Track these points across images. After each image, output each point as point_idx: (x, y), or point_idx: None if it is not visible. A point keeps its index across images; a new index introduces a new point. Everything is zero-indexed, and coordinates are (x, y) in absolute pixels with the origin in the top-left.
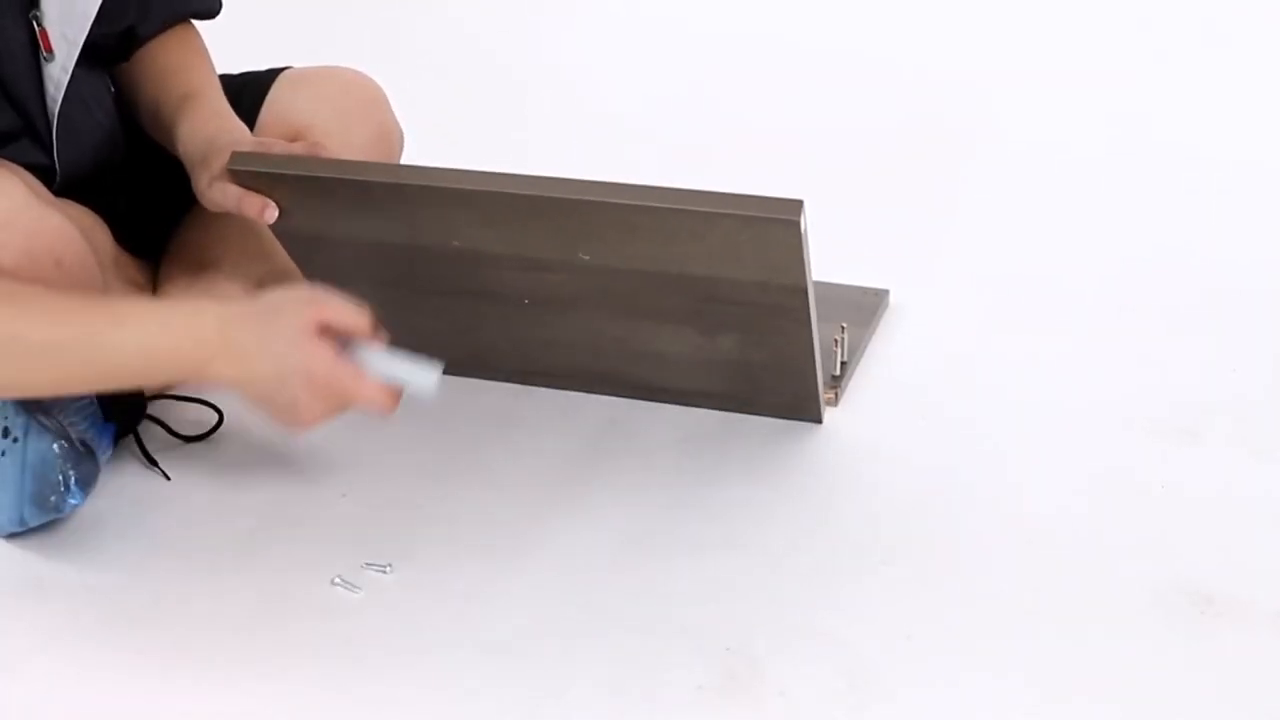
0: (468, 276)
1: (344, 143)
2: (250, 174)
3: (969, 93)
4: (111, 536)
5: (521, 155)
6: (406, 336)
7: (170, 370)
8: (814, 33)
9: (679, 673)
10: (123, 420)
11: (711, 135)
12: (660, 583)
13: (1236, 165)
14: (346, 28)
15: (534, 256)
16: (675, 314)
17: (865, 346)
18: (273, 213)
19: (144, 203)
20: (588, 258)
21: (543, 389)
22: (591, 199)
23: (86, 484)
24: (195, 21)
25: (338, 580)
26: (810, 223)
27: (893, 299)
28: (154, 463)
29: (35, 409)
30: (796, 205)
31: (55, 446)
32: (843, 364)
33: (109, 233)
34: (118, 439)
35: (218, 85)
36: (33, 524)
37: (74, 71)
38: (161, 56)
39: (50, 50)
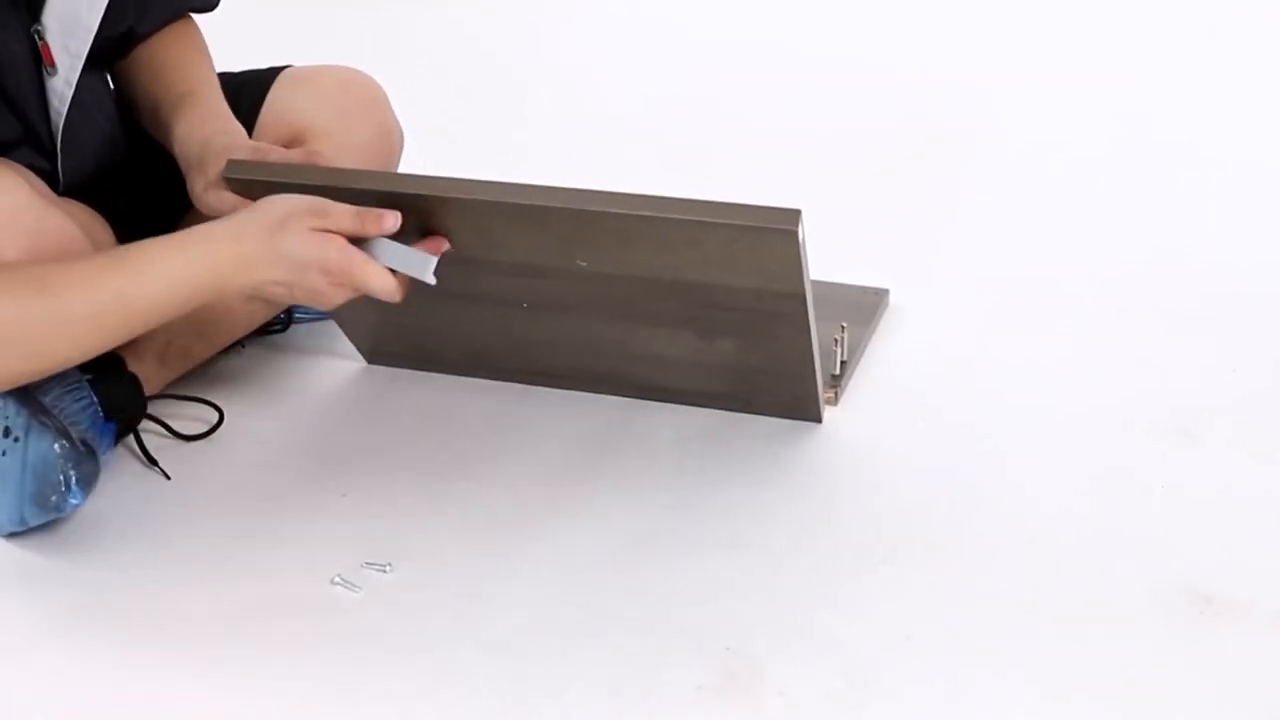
0: (465, 281)
1: (344, 142)
2: (246, 182)
3: (969, 93)
4: (111, 536)
5: (521, 155)
6: (406, 337)
7: (200, 297)
8: (814, 33)
9: (679, 673)
10: (123, 420)
11: (711, 135)
12: (660, 582)
13: (1236, 166)
14: (346, 27)
15: (530, 262)
16: (673, 318)
17: (865, 346)
18: None
19: (144, 201)
20: (584, 264)
21: (543, 389)
22: (587, 209)
23: (87, 484)
24: (195, 16)
25: (338, 580)
26: (810, 222)
27: (893, 299)
28: (154, 462)
29: (36, 408)
30: (794, 215)
31: (56, 446)
32: (842, 364)
33: (110, 231)
34: (118, 438)
35: (216, 83)
36: (33, 523)
37: (78, 79)
38: (160, 53)
39: (53, 64)
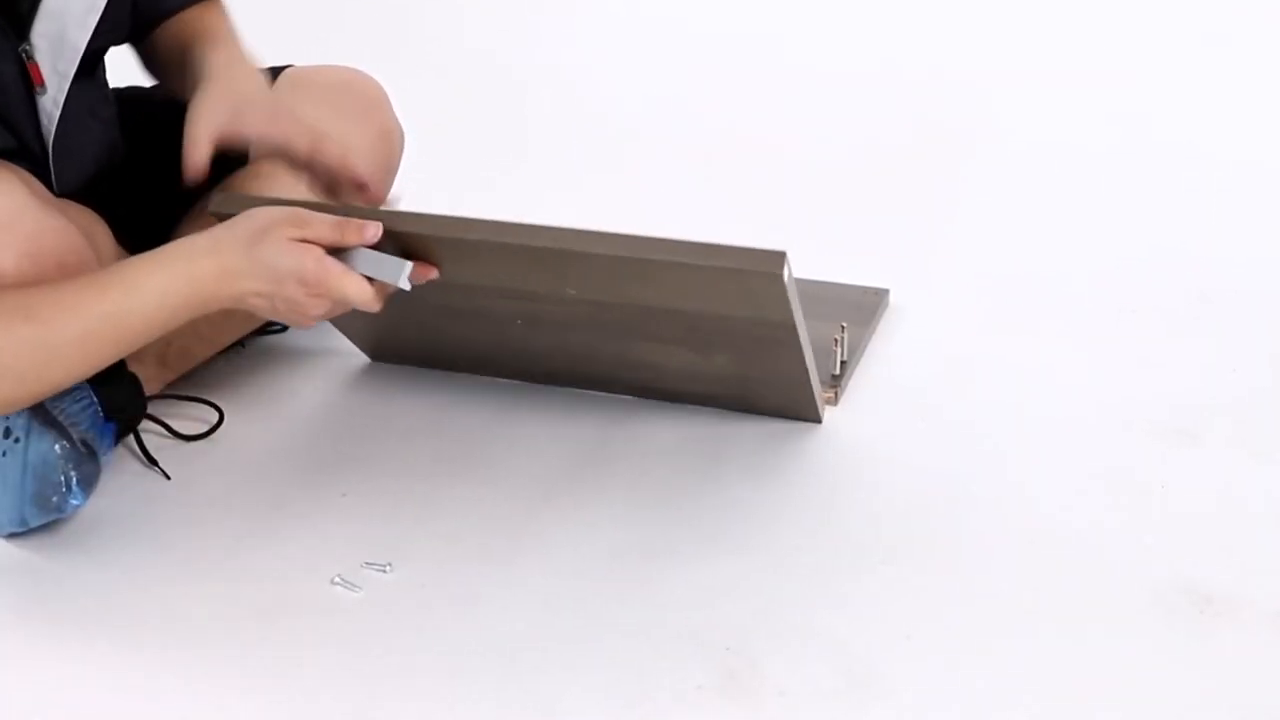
0: (459, 299)
1: (346, 143)
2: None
3: (969, 93)
4: (111, 536)
5: (521, 155)
6: (407, 340)
7: (187, 311)
8: (815, 33)
9: (679, 672)
10: (123, 420)
11: (712, 135)
12: (660, 582)
13: (1236, 165)
14: (346, 28)
15: (521, 289)
16: (668, 337)
17: (865, 346)
18: None
19: (144, 202)
20: (574, 293)
21: (543, 388)
22: (571, 249)
23: (88, 484)
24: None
25: (338, 580)
26: (810, 223)
27: (893, 299)
28: (154, 462)
29: (36, 409)
30: (779, 257)
31: (57, 447)
32: (842, 363)
33: (110, 232)
34: (118, 439)
35: (236, 39)
36: (34, 524)
37: (69, 89)
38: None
39: (42, 84)
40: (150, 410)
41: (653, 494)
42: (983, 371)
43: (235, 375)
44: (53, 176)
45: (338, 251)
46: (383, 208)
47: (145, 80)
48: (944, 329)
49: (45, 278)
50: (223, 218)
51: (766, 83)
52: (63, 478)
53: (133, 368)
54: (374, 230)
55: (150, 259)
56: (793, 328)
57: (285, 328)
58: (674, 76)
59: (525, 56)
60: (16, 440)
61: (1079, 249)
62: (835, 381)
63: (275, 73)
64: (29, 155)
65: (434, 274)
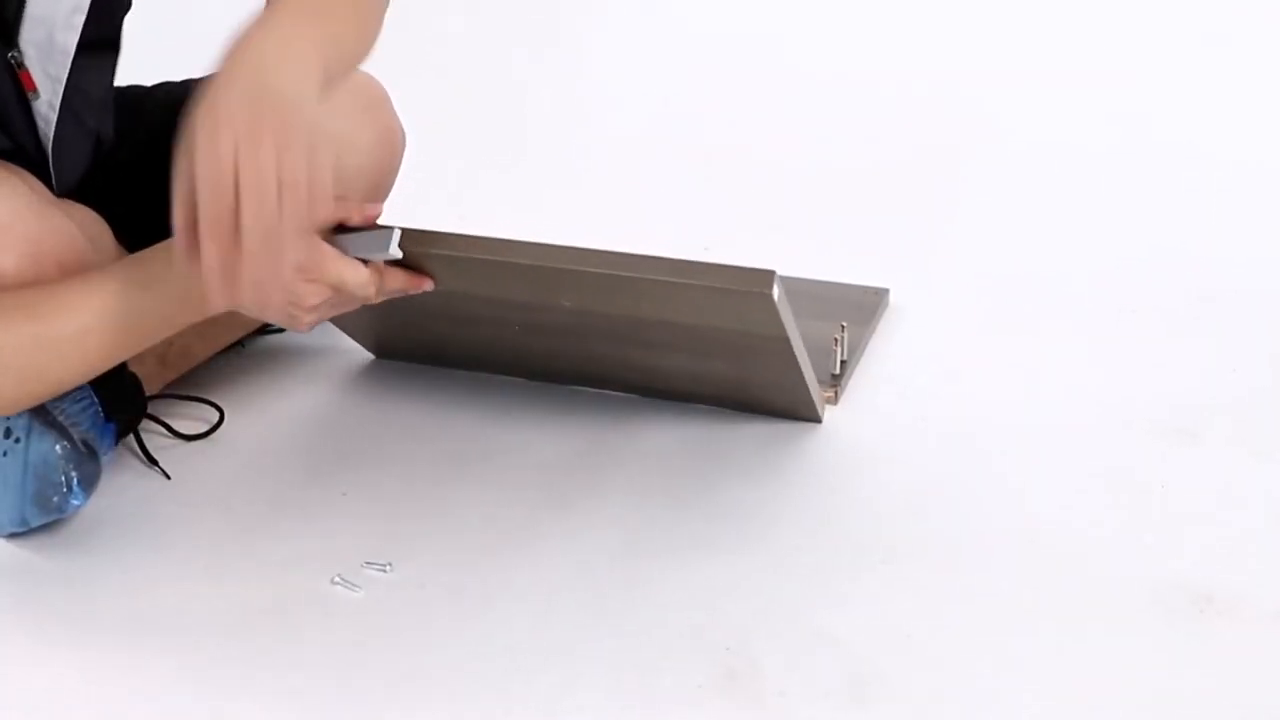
0: (456, 305)
1: (348, 143)
2: None
3: (969, 93)
4: (111, 536)
5: (521, 155)
6: (408, 340)
7: (189, 308)
8: (815, 33)
9: (679, 672)
10: (123, 420)
11: (712, 135)
12: (660, 582)
13: (1236, 165)
14: None
15: (516, 299)
16: (664, 345)
17: (865, 346)
18: None
19: (143, 202)
20: (568, 304)
21: (543, 387)
22: (562, 267)
23: (89, 484)
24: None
25: (338, 580)
26: (811, 222)
27: (893, 298)
28: (154, 462)
29: (37, 410)
30: (768, 276)
31: (57, 447)
32: (842, 363)
33: (110, 231)
34: (118, 438)
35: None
36: (34, 524)
37: (65, 85)
38: None
39: (34, 89)
40: (150, 410)
41: (652, 494)
42: (983, 371)
43: (235, 375)
44: (53, 177)
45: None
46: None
47: (145, 80)
48: (944, 329)
49: (45, 278)
50: None
51: (767, 83)
52: (63, 478)
53: (133, 367)
54: (375, 209)
55: (151, 255)
56: (786, 340)
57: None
58: (674, 77)
59: (525, 56)
60: (17, 440)
61: (1079, 249)
62: (835, 381)
63: None
64: (26, 156)
65: (428, 285)
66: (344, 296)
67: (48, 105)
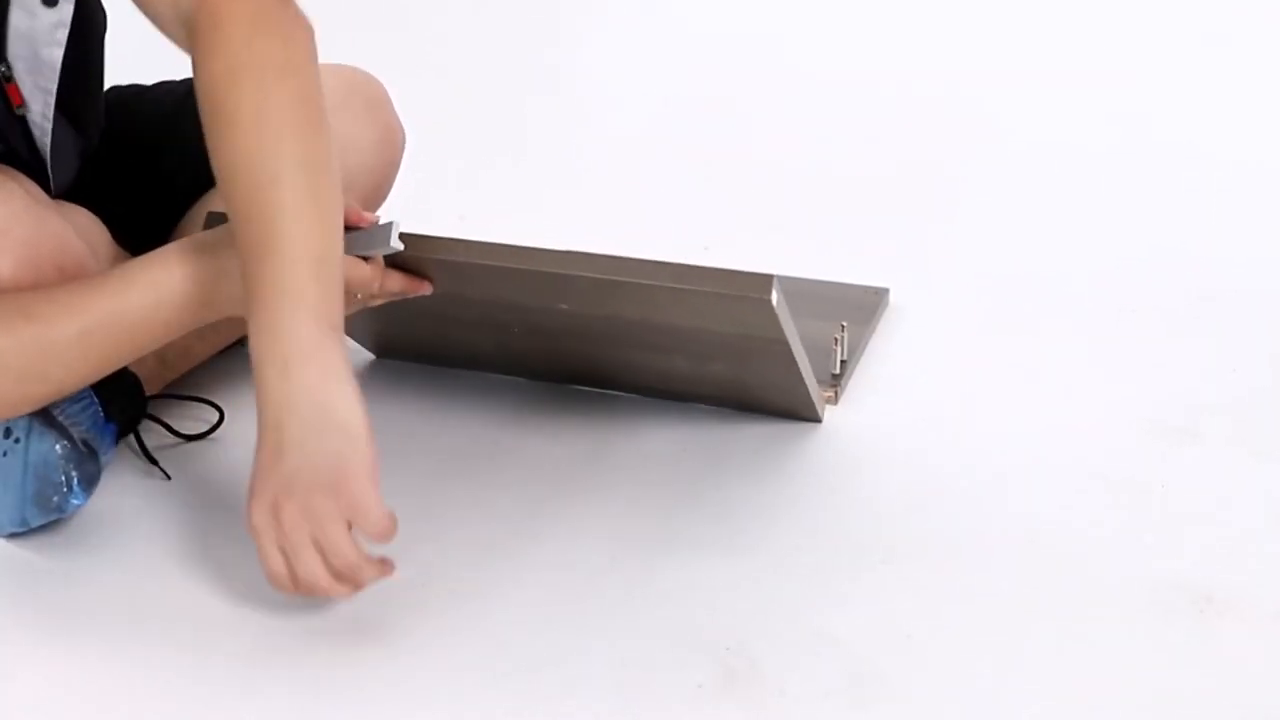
0: (454, 307)
1: (349, 143)
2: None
3: (969, 93)
4: (112, 536)
5: (521, 155)
6: (408, 339)
7: (188, 312)
8: (815, 33)
9: (679, 672)
10: (124, 420)
11: (712, 135)
12: (660, 582)
13: (1236, 165)
14: (347, 27)
15: (515, 302)
16: (663, 347)
17: (865, 345)
18: None
19: (142, 202)
20: (567, 307)
21: (543, 387)
22: (558, 272)
23: (89, 484)
24: None
25: None
26: (811, 222)
27: (893, 298)
28: (154, 462)
29: (37, 411)
30: (767, 282)
31: (58, 447)
32: (842, 363)
33: (108, 232)
34: (119, 438)
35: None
36: (35, 524)
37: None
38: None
39: (21, 103)
40: (150, 410)
41: (652, 493)
42: (983, 371)
43: (235, 375)
44: (50, 179)
45: None
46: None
47: (144, 79)
48: (944, 329)
49: (44, 281)
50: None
51: (767, 83)
52: (64, 478)
53: (133, 367)
54: (372, 219)
55: (149, 258)
56: (785, 343)
57: None
58: (674, 76)
59: (525, 56)
60: (17, 440)
61: (1079, 248)
62: (835, 381)
63: None
64: (20, 160)
65: (427, 289)
66: (347, 296)
67: (41, 115)
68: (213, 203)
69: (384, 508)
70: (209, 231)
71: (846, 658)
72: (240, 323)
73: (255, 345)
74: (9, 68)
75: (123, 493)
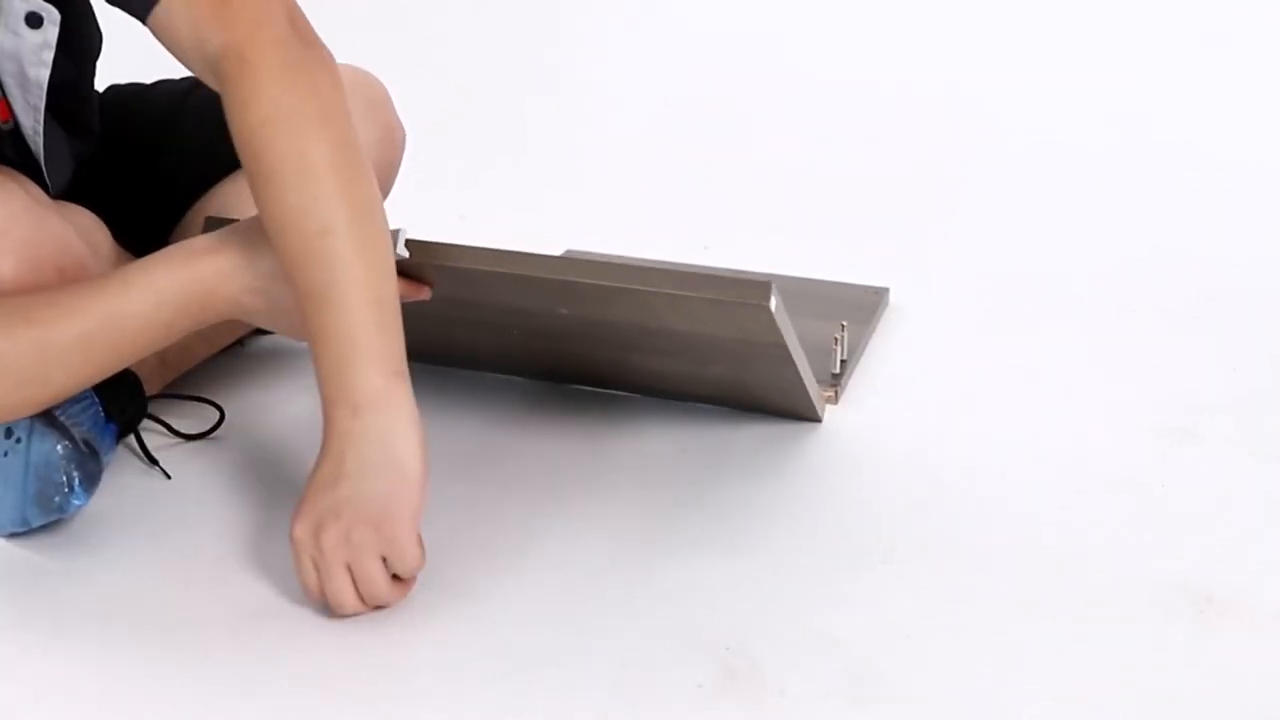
0: (454, 310)
1: None
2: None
3: (969, 93)
4: (112, 536)
5: (521, 155)
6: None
7: (189, 313)
8: (815, 33)
9: (679, 672)
10: (124, 420)
11: (712, 136)
12: (660, 581)
13: (1236, 165)
14: (347, 27)
15: (514, 306)
16: (662, 350)
17: (865, 345)
18: None
19: (144, 200)
20: (566, 312)
21: (544, 387)
22: (556, 278)
23: (90, 484)
24: None
25: None
26: (811, 222)
27: (893, 298)
28: (155, 462)
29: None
30: (765, 288)
31: (59, 447)
32: (842, 363)
33: (108, 232)
34: (119, 438)
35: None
36: (36, 524)
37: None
38: None
39: (8, 119)
40: (151, 410)
41: (652, 493)
42: (983, 371)
43: (235, 375)
44: (47, 180)
45: None
46: None
47: (144, 79)
48: (944, 329)
49: (44, 283)
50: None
51: (767, 83)
52: (65, 478)
53: (133, 366)
54: None
55: (149, 260)
56: (785, 347)
57: None
58: (674, 76)
59: (525, 56)
60: (18, 440)
61: (1079, 248)
62: (835, 381)
63: None
64: (16, 166)
65: (426, 294)
66: None
67: (33, 130)
68: (213, 202)
69: (418, 549)
70: (209, 234)
71: (846, 658)
72: (240, 323)
73: (326, 388)
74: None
75: (123, 493)
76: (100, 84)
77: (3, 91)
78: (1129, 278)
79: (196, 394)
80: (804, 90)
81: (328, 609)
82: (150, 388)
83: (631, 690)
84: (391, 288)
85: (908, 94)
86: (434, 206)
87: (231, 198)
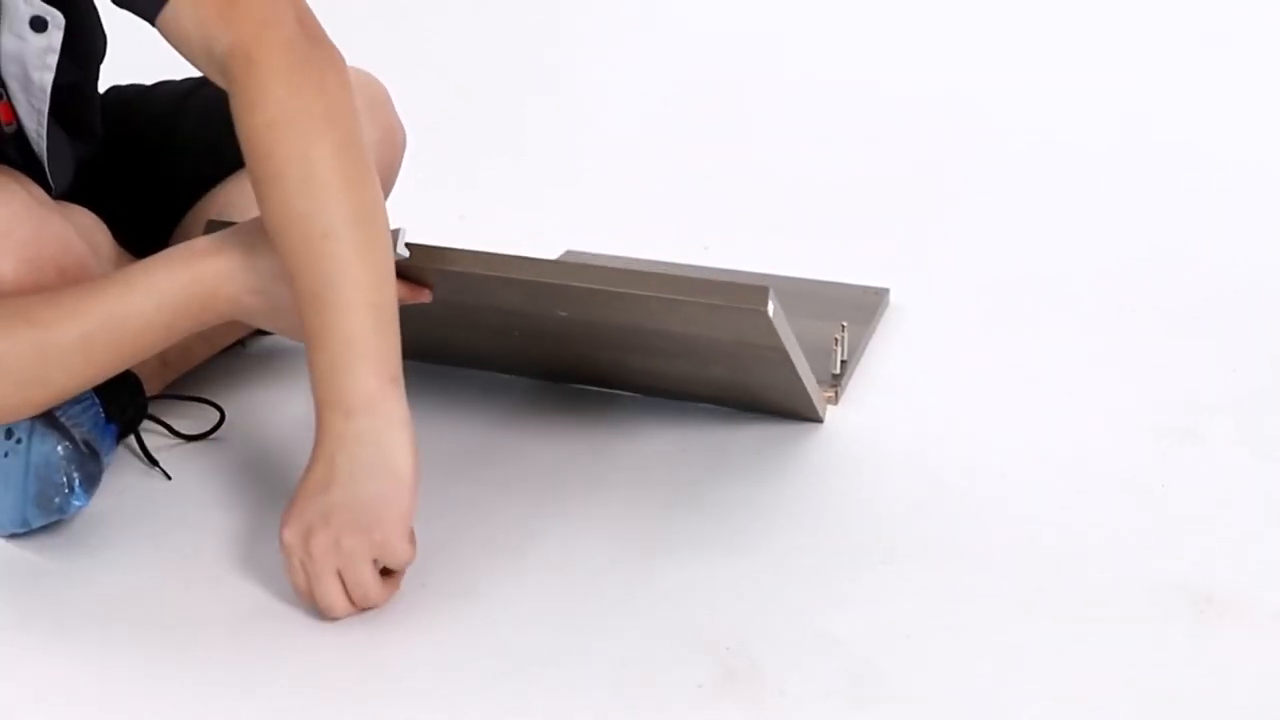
0: (454, 312)
1: None
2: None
3: (969, 93)
4: (112, 536)
5: (521, 155)
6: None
7: (190, 313)
8: (815, 33)
9: (679, 672)
10: (124, 420)
11: (713, 135)
12: (660, 581)
13: (1236, 165)
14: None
15: (514, 309)
16: (662, 351)
17: (866, 345)
18: None
19: (144, 200)
20: (564, 314)
21: (544, 386)
22: (554, 282)
23: (90, 485)
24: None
25: None
26: (811, 222)
27: (893, 298)
28: (155, 462)
29: None
30: (763, 293)
31: (59, 448)
32: (843, 363)
33: (109, 233)
34: (119, 439)
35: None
36: (36, 525)
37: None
38: None
39: (11, 121)
40: (151, 410)
41: (653, 494)
42: (983, 371)
43: (235, 375)
44: (49, 179)
45: None
46: None
47: (145, 79)
48: (944, 329)
49: (45, 284)
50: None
51: (767, 83)
52: (65, 478)
53: (134, 367)
54: None
55: (150, 261)
56: (783, 350)
57: None
58: (674, 76)
59: (525, 56)
60: (19, 441)
61: (1079, 248)
62: (836, 381)
63: None
64: (18, 167)
65: (426, 297)
66: None
67: (36, 133)
68: (214, 203)
69: (409, 547)
70: (210, 236)
71: (846, 658)
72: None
73: (320, 390)
74: (3, 87)
75: (123, 493)
76: (101, 85)
77: (6, 94)
78: (1129, 278)
79: (197, 394)
80: (804, 91)
81: (318, 611)
82: (151, 388)
83: (631, 690)
84: (390, 292)
85: (908, 94)
86: (434, 206)
87: (232, 198)
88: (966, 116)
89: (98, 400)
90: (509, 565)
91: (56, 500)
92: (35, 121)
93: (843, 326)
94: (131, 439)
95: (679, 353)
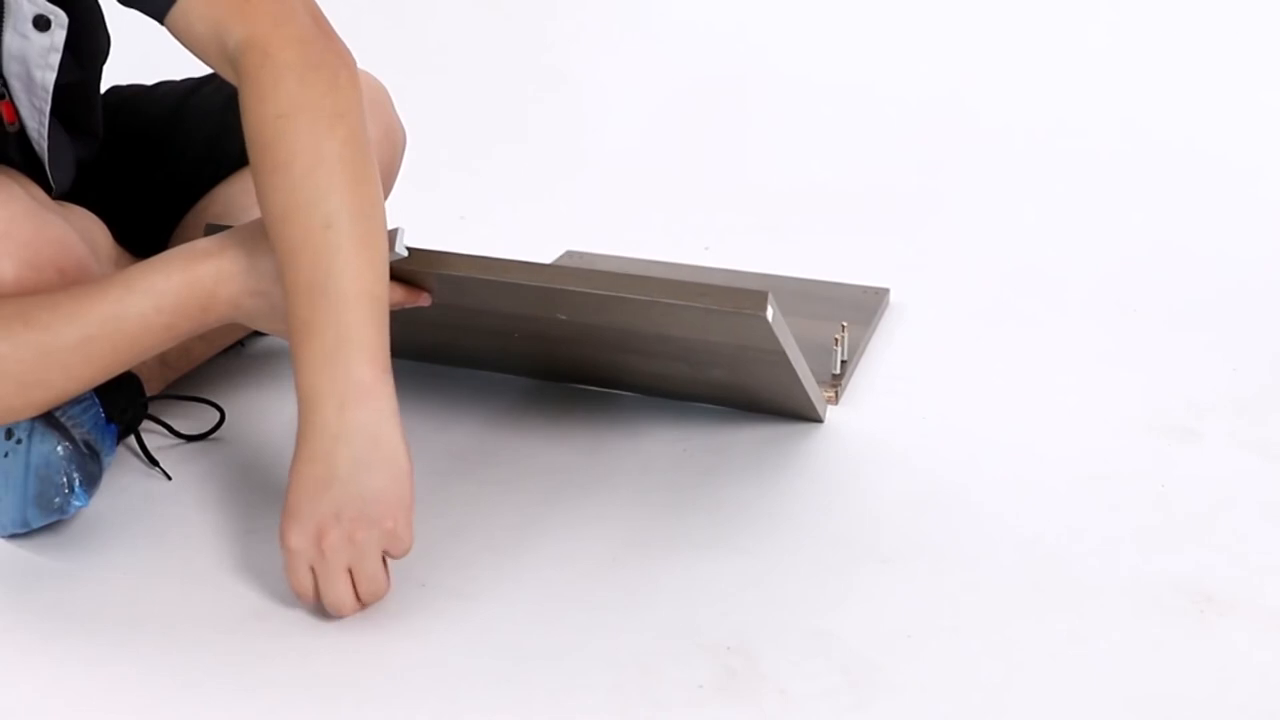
0: (453, 315)
1: None
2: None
3: (970, 94)
4: (112, 537)
5: (521, 155)
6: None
7: (188, 315)
8: (815, 33)
9: (679, 672)
10: (125, 420)
11: (713, 136)
12: (660, 581)
13: (1236, 164)
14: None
15: (514, 312)
16: (662, 354)
17: (866, 345)
18: None
19: (145, 199)
20: (565, 318)
21: (545, 386)
22: (554, 287)
23: (91, 485)
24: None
25: None
26: (812, 222)
27: (893, 298)
28: (155, 462)
29: None
30: (762, 298)
31: (59, 448)
32: (843, 363)
33: (109, 233)
34: (120, 439)
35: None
36: (36, 525)
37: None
38: None
39: (13, 120)
40: (151, 410)
41: (653, 494)
42: (983, 371)
43: (235, 375)
44: (50, 180)
45: None
46: None
47: (145, 79)
48: (944, 329)
49: (45, 285)
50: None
51: (766, 83)
52: (65, 479)
53: (134, 367)
54: None
55: (150, 263)
56: (783, 353)
57: None
58: (674, 77)
59: (525, 56)
60: (19, 441)
61: (1079, 248)
62: (836, 381)
63: None
64: (19, 167)
65: (425, 300)
66: None
67: (37, 132)
68: (214, 203)
69: (413, 536)
70: (209, 238)
71: (846, 658)
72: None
73: (310, 380)
74: (6, 86)
75: (124, 493)
76: (103, 84)
77: (8, 93)
78: (1129, 278)
79: (197, 395)
80: (804, 91)
81: (322, 612)
82: (151, 389)
83: (631, 690)
84: (385, 286)
85: (908, 95)
86: (434, 206)
87: (232, 198)
88: (966, 117)
89: (98, 401)
90: (509, 564)
91: (56, 500)
92: (37, 121)
93: (843, 326)
94: (132, 439)
95: (679, 355)
